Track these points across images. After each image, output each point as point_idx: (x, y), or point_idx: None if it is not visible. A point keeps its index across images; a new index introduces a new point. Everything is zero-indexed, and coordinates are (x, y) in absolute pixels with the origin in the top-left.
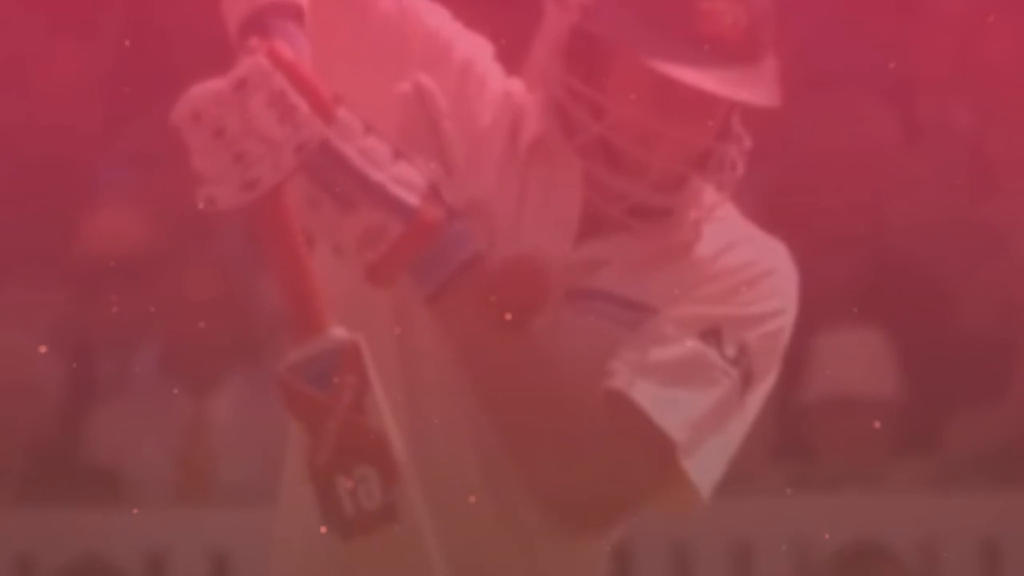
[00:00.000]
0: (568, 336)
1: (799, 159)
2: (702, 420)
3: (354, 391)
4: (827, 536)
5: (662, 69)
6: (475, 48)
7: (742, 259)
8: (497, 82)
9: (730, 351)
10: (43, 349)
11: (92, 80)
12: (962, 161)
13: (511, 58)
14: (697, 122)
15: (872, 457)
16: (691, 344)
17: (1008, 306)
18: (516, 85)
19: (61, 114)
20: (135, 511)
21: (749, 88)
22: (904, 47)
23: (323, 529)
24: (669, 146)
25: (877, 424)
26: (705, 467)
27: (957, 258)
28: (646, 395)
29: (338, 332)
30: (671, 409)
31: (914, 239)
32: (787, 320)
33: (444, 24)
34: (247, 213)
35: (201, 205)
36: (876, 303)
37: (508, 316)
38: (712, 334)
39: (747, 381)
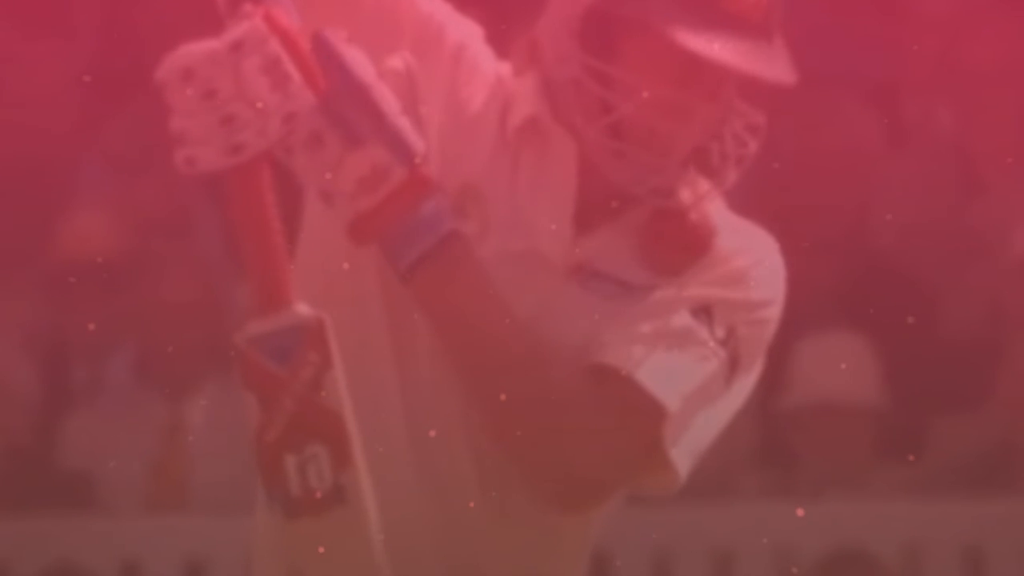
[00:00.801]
0: (564, 315)
1: (782, 161)
2: (691, 395)
3: (314, 369)
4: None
5: (692, 45)
6: (467, 31)
7: (736, 246)
8: (489, 66)
9: (719, 331)
10: None
11: (66, 82)
12: (946, 164)
13: (495, 44)
14: (717, 98)
15: (855, 463)
16: (682, 319)
17: (992, 310)
18: (505, 69)
19: (35, 117)
20: (110, 519)
21: (771, 65)
22: (888, 50)
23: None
24: (695, 123)
25: (860, 430)
26: (687, 447)
27: (941, 262)
28: (638, 365)
29: (303, 308)
30: (663, 378)
31: (898, 243)
32: (775, 313)
33: (437, 7)
34: (224, 179)
35: (180, 165)
36: (859, 307)
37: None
38: (703, 312)
39: (733, 366)
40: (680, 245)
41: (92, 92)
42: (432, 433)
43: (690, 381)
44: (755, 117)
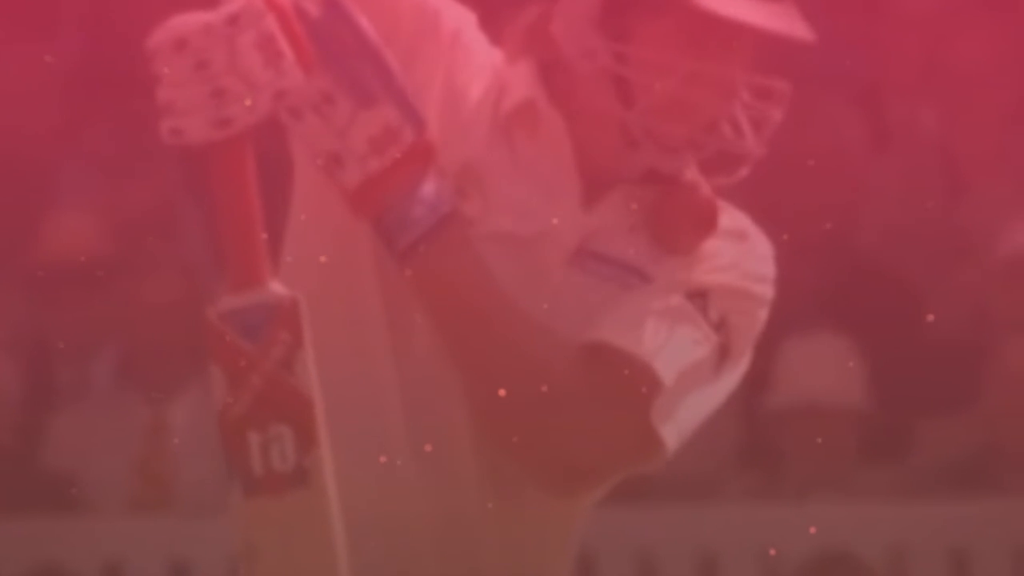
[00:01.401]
0: (562, 297)
1: (767, 162)
2: (684, 373)
3: (286, 348)
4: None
5: (718, 9)
6: (461, 18)
7: (740, 239)
8: (483, 52)
9: (713, 316)
10: None
11: (49, 83)
12: (932, 165)
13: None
14: (739, 61)
15: (840, 465)
16: (678, 301)
17: (977, 311)
18: (497, 55)
19: (19, 117)
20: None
21: (791, 25)
22: (873, 51)
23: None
24: (722, 93)
25: (845, 432)
26: (675, 427)
27: (926, 263)
28: (634, 339)
29: (277, 287)
30: (658, 351)
31: (883, 244)
32: (765, 312)
33: None
34: (208, 153)
35: (165, 136)
36: (844, 308)
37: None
38: (698, 296)
39: (724, 354)
40: (691, 222)
41: (76, 93)
42: (428, 447)
43: (684, 358)
44: (776, 84)
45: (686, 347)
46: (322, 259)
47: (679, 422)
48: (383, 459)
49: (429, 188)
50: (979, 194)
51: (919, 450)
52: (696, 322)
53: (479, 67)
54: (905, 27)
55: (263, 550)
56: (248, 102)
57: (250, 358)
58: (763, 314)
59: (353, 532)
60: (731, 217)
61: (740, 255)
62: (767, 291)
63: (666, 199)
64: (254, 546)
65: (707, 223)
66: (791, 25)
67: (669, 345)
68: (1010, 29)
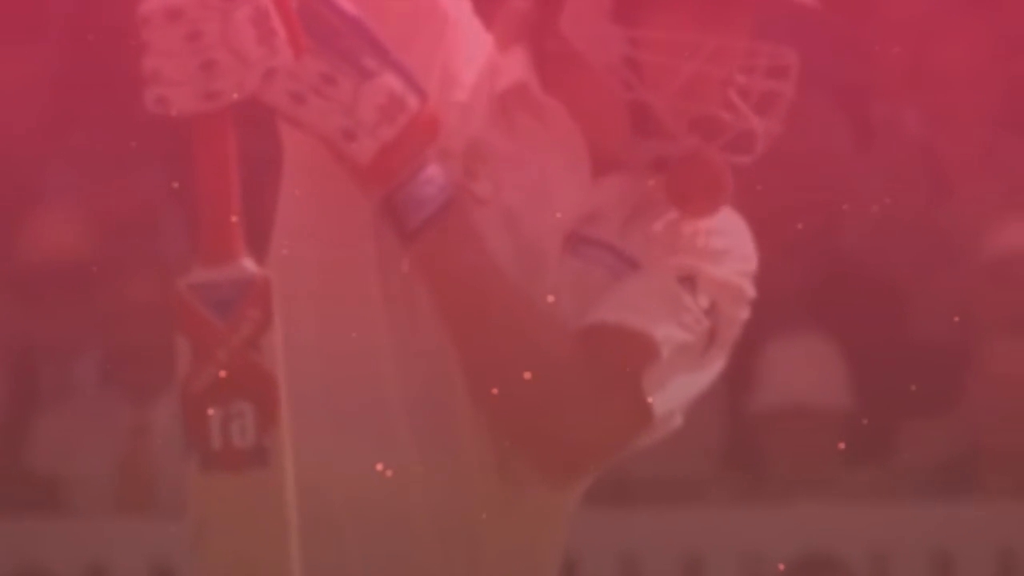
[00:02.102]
0: (560, 282)
1: (752, 163)
2: (677, 349)
3: (254, 326)
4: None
5: None
6: (457, 4)
7: (730, 233)
8: (478, 37)
9: (703, 301)
10: None
11: (35, 83)
12: (915, 167)
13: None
14: (746, 29)
15: (823, 467)
16: (670, 284)
17: (961, 313)
18: (491, 41)
19: (3, 117)
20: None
21: None
22: (858, 53)
23: None
24: (736, 66)
25: (829, 434)
26: (664, 405)
27: (910, 265)
28: (631, 314)
29: (249, 264)
30: (655, 324)
31: (868, 245)
32: (747, 312)
33: None
34: (192, 124)
35: (150, 105)
36: (828, 310)
37: None
38: (688, 281)
39: (711, 340)
40: (705, 187)
41: (60, 93)
42: (425, 455)
43: (677, 335)
44: (782, 58)
45: (678, 327)
46: (317, 252)
47: (667, 400)
48: (382, 454)
49: (436, 168)
50: (963, 196)
51: (903, 452)
52: (687, 305)
53: (475, 51)
54: (889, 30)
55: (214, 526)
56: (237, 82)
57: (218, 333)
58: (745, 313)
59: (351, 526)
60: (722, 211)
61: (729, 248)
62: (751, 289)
63: (679, 166)
64: (205, 521)
65: (721, 189)
66: None
67: (663, 322)
68: (993, 31)
